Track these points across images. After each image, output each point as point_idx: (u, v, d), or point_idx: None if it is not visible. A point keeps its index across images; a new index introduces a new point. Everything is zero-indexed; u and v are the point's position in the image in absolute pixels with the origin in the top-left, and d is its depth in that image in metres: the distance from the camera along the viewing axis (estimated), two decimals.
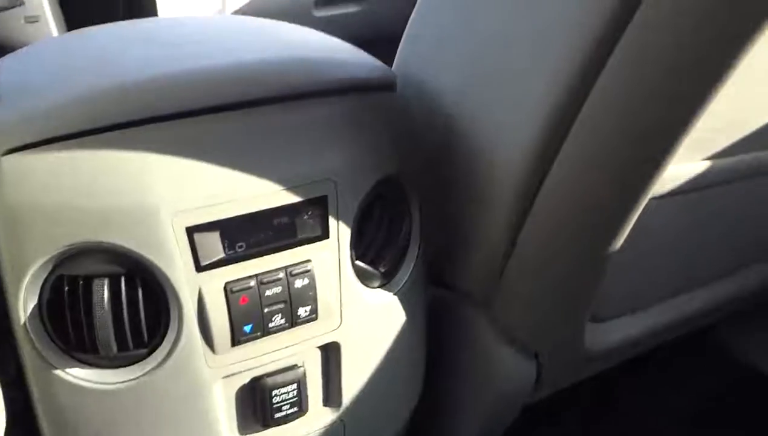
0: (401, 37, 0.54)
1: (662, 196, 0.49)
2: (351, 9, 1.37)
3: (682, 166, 0.49)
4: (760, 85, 0.46)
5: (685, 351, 0.85)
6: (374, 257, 0.48)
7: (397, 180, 0.47)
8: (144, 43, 0.46)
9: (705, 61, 0.34)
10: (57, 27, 0.91)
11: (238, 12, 1.23)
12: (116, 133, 0.38)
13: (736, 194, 0.55)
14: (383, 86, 0.47)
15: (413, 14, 0.54)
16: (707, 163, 0.50)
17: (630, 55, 0.36)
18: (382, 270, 0.48)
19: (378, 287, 0.48)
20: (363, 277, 0.47)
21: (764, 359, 0.93)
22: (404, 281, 0.49)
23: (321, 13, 1.34)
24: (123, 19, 1.12)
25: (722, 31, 0.33)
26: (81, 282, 0.39)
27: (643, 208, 0.44)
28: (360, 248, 0.47)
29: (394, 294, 0.49)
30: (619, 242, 0.46)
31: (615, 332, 0.59)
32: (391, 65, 0.55)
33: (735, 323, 0.91)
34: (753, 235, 0.63)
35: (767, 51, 0.34)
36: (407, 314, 0.50)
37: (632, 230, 0.46)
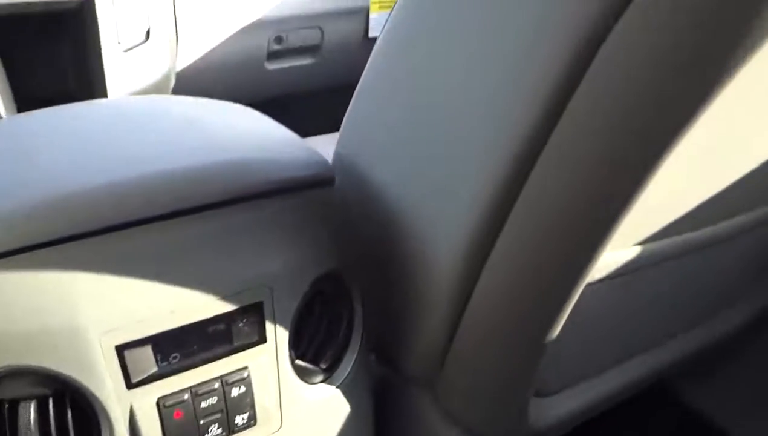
0: (355, 88, 0.53)
1: (595, 282, 0.50)
2: (304, 61, 1.38)
3: (615, 253, 0.50)
4: (691, 168, 0.47)
5: (635, 400, 0.86)
6: (315, 353, 0.48)
7: (337, 274, 0.47)
8: (72, 141, 0.44)
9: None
10: (2, 95, 0.90)
11: (190, 67, 1.22)
12: (39, 252, 0.37)
13: (670, 272, 0.57)
14: (320, 183, 0.48)
15: (353, 99, 0.54)
16: (638, 249, 0.51)
17: (563, 148, 0.36)
18: (324, 366, 0.48)
19: (320, 383, 0.48)
20: (303, 374, 0.47)
21: (714, 408, 0.95)
22: (347, 374, 0.49)
23: (274, 66, 1.34)
24: (72, 82, 1.10)
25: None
26: (6, 405, 0.38)
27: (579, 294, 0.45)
28: (300, 346, 0.47)
29: (337, 387, 0.49)
30: (557, 331, 0.47)
31: (560, 406, 0.60)
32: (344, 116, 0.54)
33: (686, 373, 0.93)
34: (688, 304, 0.65)
35: (694, 139, 0.35)
36: (351, 405, 0.50)
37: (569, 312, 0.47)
